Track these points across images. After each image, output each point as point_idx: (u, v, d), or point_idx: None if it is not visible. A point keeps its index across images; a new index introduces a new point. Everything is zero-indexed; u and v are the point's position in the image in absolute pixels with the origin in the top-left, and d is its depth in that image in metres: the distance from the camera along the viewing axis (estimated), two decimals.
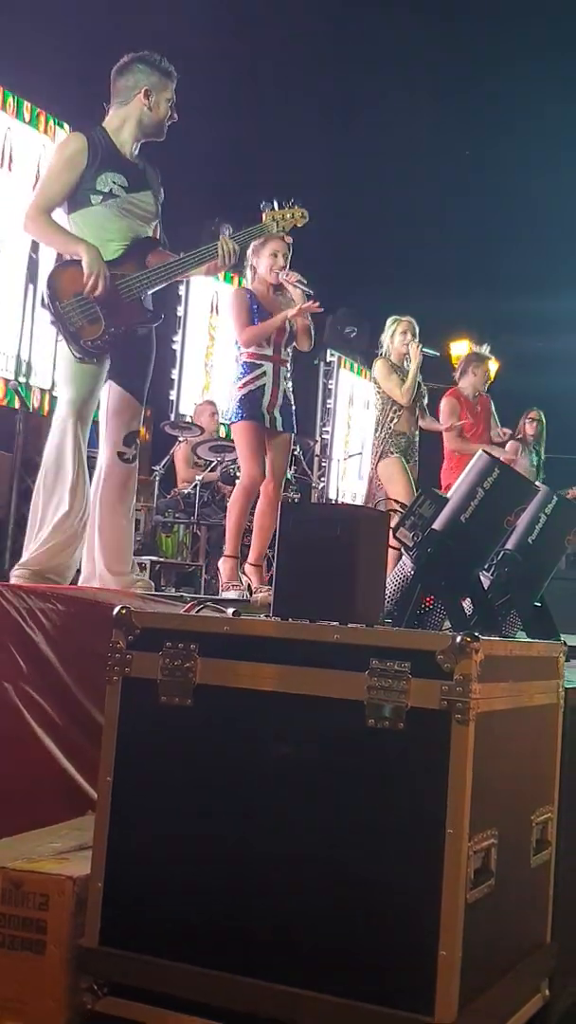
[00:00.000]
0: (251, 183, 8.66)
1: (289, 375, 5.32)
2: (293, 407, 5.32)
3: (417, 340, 6.49)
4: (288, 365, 5.31)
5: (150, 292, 3.99)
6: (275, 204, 4.44)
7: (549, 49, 10.01)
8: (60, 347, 3.92)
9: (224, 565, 5.29)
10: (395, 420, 6.45)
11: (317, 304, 5.23)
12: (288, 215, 4.42)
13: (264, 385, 5.14)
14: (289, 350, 5.32)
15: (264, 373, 5.15)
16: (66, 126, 7.46)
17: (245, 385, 5.13)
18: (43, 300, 3.87)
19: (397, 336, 6.53)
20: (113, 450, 3.98)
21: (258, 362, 5.16)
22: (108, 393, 3.99)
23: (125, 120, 4.01)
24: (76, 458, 3.87)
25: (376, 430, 6.53)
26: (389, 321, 6.66)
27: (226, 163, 9.13)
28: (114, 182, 3.92)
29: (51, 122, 7.64)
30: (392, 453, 6.38)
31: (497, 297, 11.26)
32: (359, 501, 11.92)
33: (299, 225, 4.45)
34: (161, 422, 9.01)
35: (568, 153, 10.67)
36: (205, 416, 8.86)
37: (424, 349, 6.58)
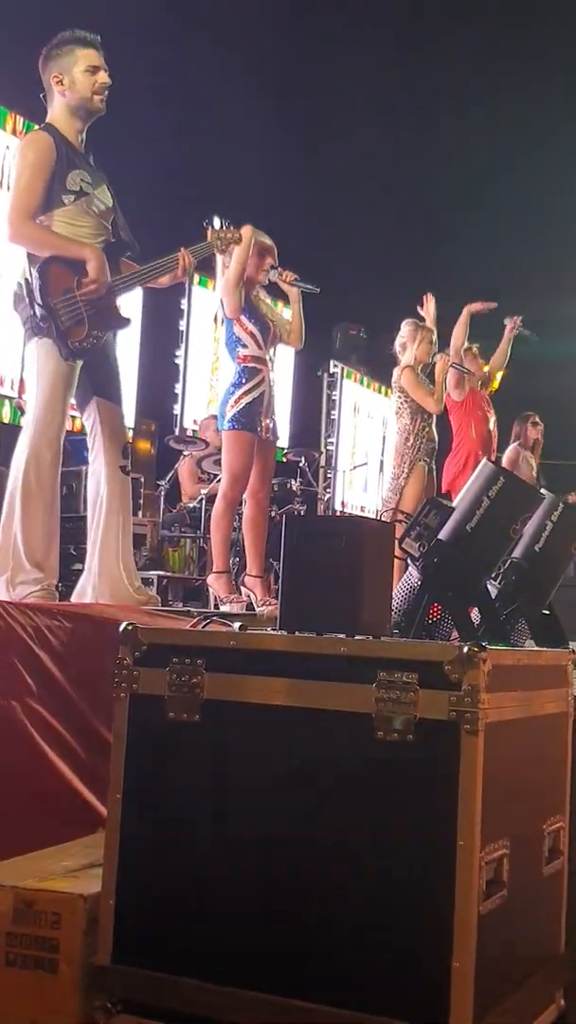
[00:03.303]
0: (249, 186, 8.72)
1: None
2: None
3: (443, 352, 6.54)
4: None
5: (120, 297, 3.96)
6: (216, 223, 4.44)
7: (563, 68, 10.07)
8: (39, 347, 3.77)
9: (217, 581, 5.25)
10: (426, 428, 6.48)
11: None
12: (227, 235, 4.45)
13: (263, 392, 5.13)
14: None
15: (263, 380, 5.14)
16: None
17: (245, 394, 5.11)
18: (32, 294, 3.72)
19: (423, 344, 6.53)
20: (115, 464, 3.95)
21: (257, 367, 5.14)
22: (97, 409, 3.95)
23: (60, 112, 3.87)
24: (57, 462, 3.79)
25: (406, 439, 6.50)
26: (408, 327, 6.63)
27: (222, 167, 9.17)
28: (82, 180, 3.83)
29: None
30: (421, 460, 6.41)
31: (506, 302, 11.27)
32: (368, 514, 11.93)
33: (235, 245, 4.52)
34: (166, 436, 9.02)
35: (571, 159, 10.69)
36: (210, 431, 8.87)
37: (453, 365, 6.63)
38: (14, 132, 7.49)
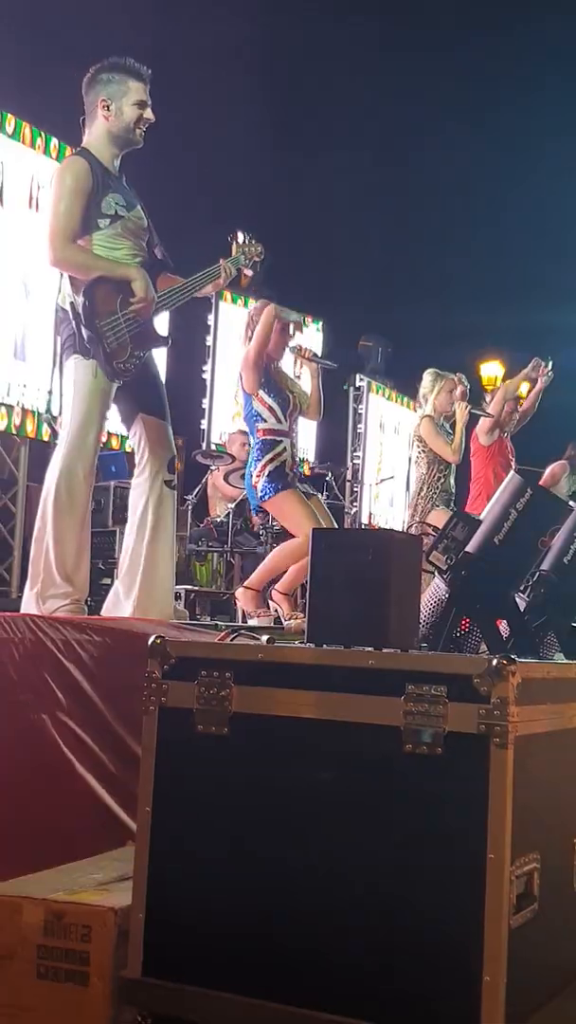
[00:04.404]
0: (270, 202, 8.77)
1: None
2: None
3: (465, 401, 6.54)
4: None
5: (159, 315, 4.00)
6: (240, 237, 4.46)
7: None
8: (76, 364, 3.82)
9: (245, 595, 5.29)
10: (442, 479, 6.49)
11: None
12: (251, 250, 4.45)
13: (286, 460, 5.18)
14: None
15: (284, 449, 5.20)
16: None
17: (269, 463, 5.16)
18: (78, 317, 3.77)
19: (443, 395, 6.55)
20: (159, 478, 3.99)
21: (278, 439, 5.20)
22: (143, 425, 4.00)
23: (99, 137, 3.91)
24: (90, 478, 3.86)
25: (421, 488, 6.53)
26: (429, 377, 6.66)
27: (243, 183, 9.22)
28: (116, 203, 3.87)
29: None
30: (439, 506, 6.42)
31: (527, 311, 11.25)
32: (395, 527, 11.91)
33: (258, 260, 4.52)
34: (193, 451, 9.05)
35: None
36: (236, 445, 8.89)
37: (473, 410, 6.64)
38: (45, 151, 7.53)
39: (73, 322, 3.80)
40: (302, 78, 9.79)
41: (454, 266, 11.36)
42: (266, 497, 5.15)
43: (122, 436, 8.06)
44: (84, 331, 3.76)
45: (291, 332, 5.26)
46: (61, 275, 3.92)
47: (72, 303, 3.81)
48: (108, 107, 3.87)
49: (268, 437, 5.19)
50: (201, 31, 8.60)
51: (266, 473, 5.13)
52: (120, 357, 3.80)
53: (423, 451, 6.53)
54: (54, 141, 7.36)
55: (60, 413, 3.97)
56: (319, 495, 5.49)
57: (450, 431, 6.58)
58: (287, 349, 5.30)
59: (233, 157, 9.14)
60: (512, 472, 3.01)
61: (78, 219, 3.80)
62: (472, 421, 6.84)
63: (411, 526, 6.48)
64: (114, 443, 7.35)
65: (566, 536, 3.23)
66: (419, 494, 6.52)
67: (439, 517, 6.35)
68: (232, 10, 8.74)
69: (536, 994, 2.01)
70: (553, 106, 10.37)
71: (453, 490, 6.63)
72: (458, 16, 10.05)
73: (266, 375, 5.20)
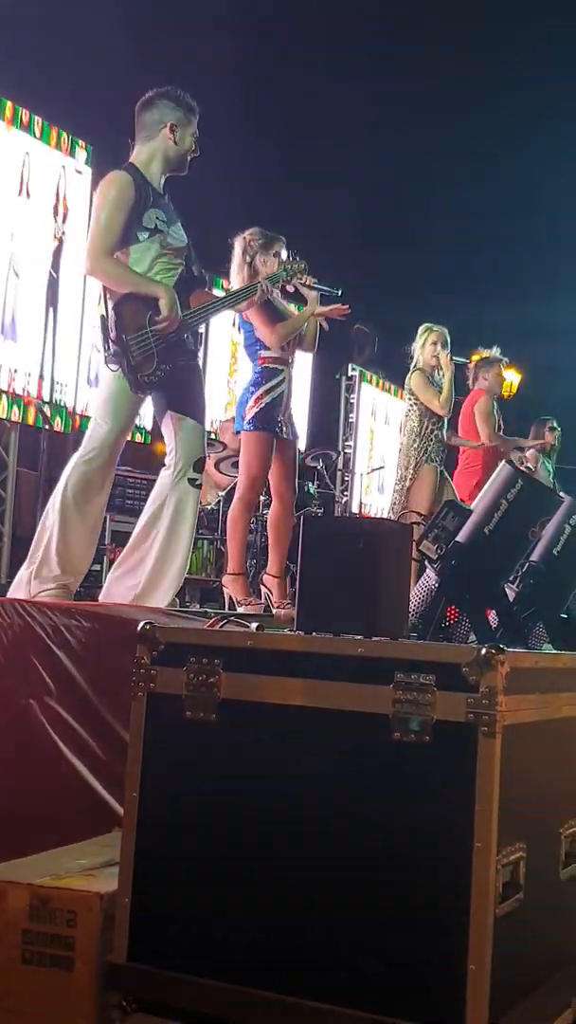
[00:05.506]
0: (265, 189, 8.72)
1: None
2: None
3: (447, 350, 6.51)
4: None
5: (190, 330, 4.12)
6: (284, 253, 4.66)
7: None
8: (103, 374, 4.05)
9: (234, 583, 5.23)
10: (435, 431, 6.48)
11: (346, 308, 5.25)
12: (294, 267, 4.69)
13: (282, 393, 5.12)
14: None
15: (283, 380, 5.13)
16: (81, 143, 7.45)
17: (265, 394, 5.08)
18: (108, 330, 3.94)
19: (428, 346, 6.54)
20: (184, 475, 4.06)
21: (278, 367, 5.13)
22: (172, 422, 4.07)
23: (152, 155, 4.07)
24: (104, 474, 4.01)
25: (413, 441, 6.50)
26: (421, 329, 6.65)
27: (249, 176, 9.19)
28: (157, 218, 4.01)
29: (65, 139, 7.56)
30: (431, 460, 6.40)
31: (525, 309, 11.24)
32: (384, 515, 11.90)
33: (300, 277, 4.68)
34: None
35: None
36: (228, 433, 8.85)
37: (454, 358, 6.60)
38: (28, 129, 7.46)
39: (102, 334, 3.98)
40: (297, 59, 9.73)
41: (453, 260, 11.33)
42: (248, 428, 5.09)
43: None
44: (111, 344, 3.94)
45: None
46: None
47: (102, 315, 3.99)
48: (175, 132, 4.06)
49: (269, 365, 5.13)
50: (192, 30, 8.56)
51: (260, 404, 5.06)
52: (145, 369, 3.94)
53: (414, 404, 6.52)
54: (38, 119, 7.27)
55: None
56: (296, 443, 5.38)
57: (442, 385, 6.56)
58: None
59: (229, 143, 9.11)
60: (503, 463, 3.00)
61: (117, 232, 3.95)
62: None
63: (401, 514, 6.45)
64: None
65: (556, 527, 3.23)
66: (411, 446, 6.48)
67: (427, 474, 6.35)
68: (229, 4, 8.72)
69: (521, 983, 2.01)
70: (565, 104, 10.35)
71: (446, 443, 6.61)
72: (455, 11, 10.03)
73: (267, 302, 5.13)
